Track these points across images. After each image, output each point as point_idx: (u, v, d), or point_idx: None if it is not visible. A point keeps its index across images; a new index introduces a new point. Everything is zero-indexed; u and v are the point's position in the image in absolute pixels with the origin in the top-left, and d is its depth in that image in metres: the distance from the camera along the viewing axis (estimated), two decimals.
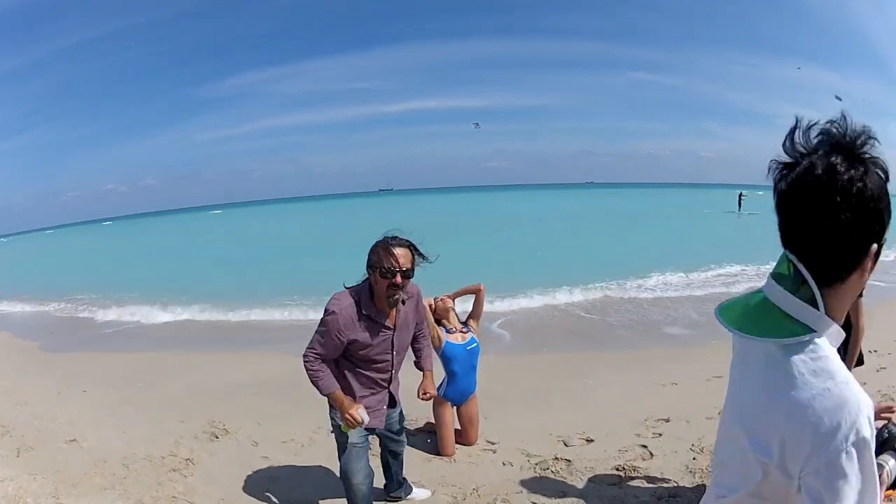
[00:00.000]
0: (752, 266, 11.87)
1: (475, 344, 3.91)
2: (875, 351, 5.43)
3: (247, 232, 33.61)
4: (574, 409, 4.74)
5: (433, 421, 4.04)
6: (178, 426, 4.57)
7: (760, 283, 1.02)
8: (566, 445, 4.04)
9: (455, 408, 3.98)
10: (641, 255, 13.91)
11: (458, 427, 4.05)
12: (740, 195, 29.71)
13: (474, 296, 4.03)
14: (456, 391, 3.90)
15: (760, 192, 29.87)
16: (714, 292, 9.76)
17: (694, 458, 3.86)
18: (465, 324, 3.99)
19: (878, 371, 5.10)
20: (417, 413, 4.53)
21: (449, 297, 3.96)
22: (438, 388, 3.71)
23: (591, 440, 4.09)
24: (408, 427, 4.35)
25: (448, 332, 3.85)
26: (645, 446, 3.99)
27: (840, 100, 28.81)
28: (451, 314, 3.92)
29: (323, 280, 12.05)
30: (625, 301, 9.51)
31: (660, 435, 4.16)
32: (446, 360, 3.83)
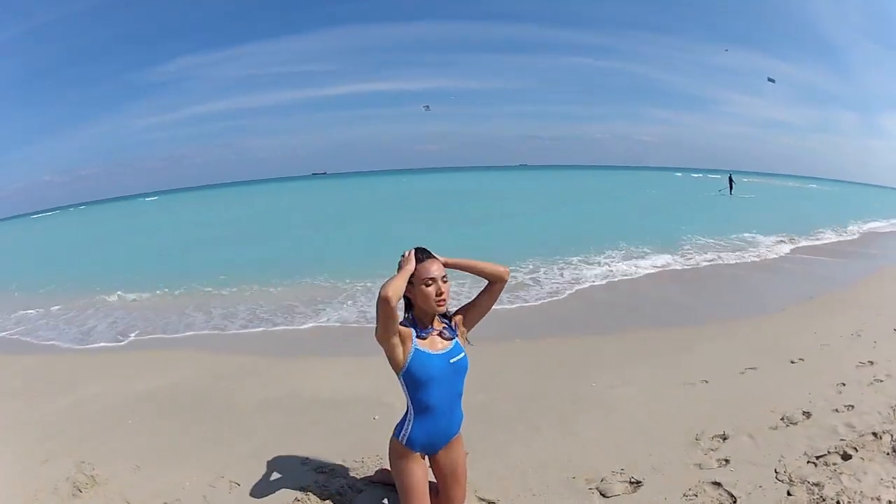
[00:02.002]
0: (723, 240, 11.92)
1: (462, 354, 2.17)
2: None
3: (170, 219, 30.19)
4: (593, 426, 3.33)
5: (389, 468, 2.39)
6: (39, 470, 3.26)
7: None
8: (605, 496, 2.60)
9: (427, 458, 2.30)
10: (620, 234, 12.89)
11: (434, 481, 2.45)
12: (730, 177, 29.64)
13: (488, 281, 2.23)
14: (430, 433, 2.16)
15: (746, 179, 31.03)
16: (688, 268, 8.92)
17: (789, 494, 2.60)
18: (448, 322, 2.22)
19: None
20: (366, 451, 3.09)
21: (443, 261, 2.13)
22: (399, 430, 2.14)
23: (639, 482, 2.69)
24: (353, 474, 2.81)
25: (419, 334, 2.11)
26: (718, 483, 2.66)
27: (773, 81, 30.31)
28: (431, 300, 2.11)
29: (230, 267, 9.29)
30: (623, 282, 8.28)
31: (726, 461, 2.87)
32: (415, 383, 2.09)
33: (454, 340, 2.15)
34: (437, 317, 2.17)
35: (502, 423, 3.43)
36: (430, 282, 2.02)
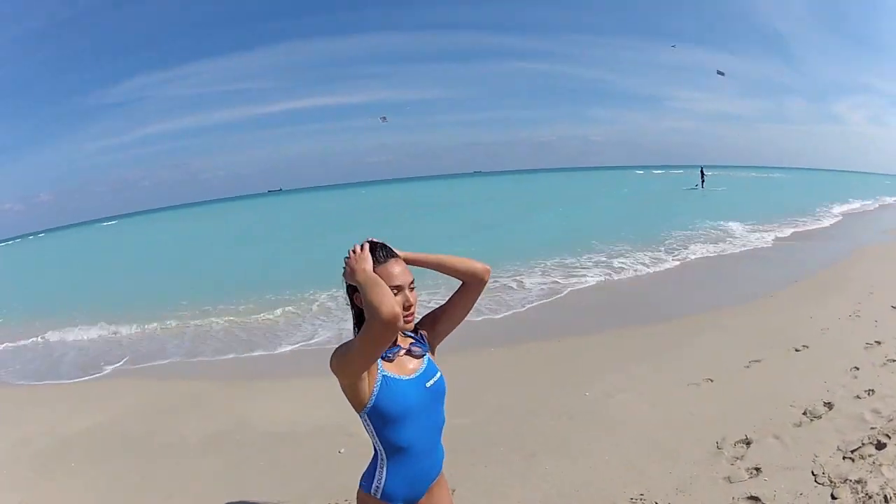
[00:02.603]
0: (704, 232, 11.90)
1: (438, 375, 1.60)
2: None
3: (124, 243, 29.01)
4: (596, 445, 2.87)
5: None
6: None
7: None
8: None
9: None
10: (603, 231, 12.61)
11: None
12: (702, 171, 29.92)
13: (462, 282, 1.68)
14: (409, 480, 1.57)
15: (710, 173, 31.43)
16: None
17: (834, 498, 2.25)
18: (417, 335, 1.64)
19: None
20: (331, 493, 2.64)
21: (404, 256, 1.59)
22: (369, 481, 1.54)
23: None
24: None
25: (384, 355, 1.50)
26: (755, 498, 2.25)
27: (723, 74, 31.19)
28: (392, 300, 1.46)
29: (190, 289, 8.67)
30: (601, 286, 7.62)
31: (757, 470, 2.46)
32: (385, 420, 1.50)
33: (426, 357, 1.57)
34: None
35: (489, 451, 2.92)
36: (394, 291, 1.46)
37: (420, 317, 1.65)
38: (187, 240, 24.57)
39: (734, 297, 6.24)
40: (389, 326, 1.25)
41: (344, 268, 1.44)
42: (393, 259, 1.48)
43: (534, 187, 43.06)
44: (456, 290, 1.64)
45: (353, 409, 1.45)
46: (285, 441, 3.35)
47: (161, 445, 3.50)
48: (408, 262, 1.54)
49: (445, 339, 1.65)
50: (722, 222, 12.89)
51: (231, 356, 5.58)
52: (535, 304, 6.56)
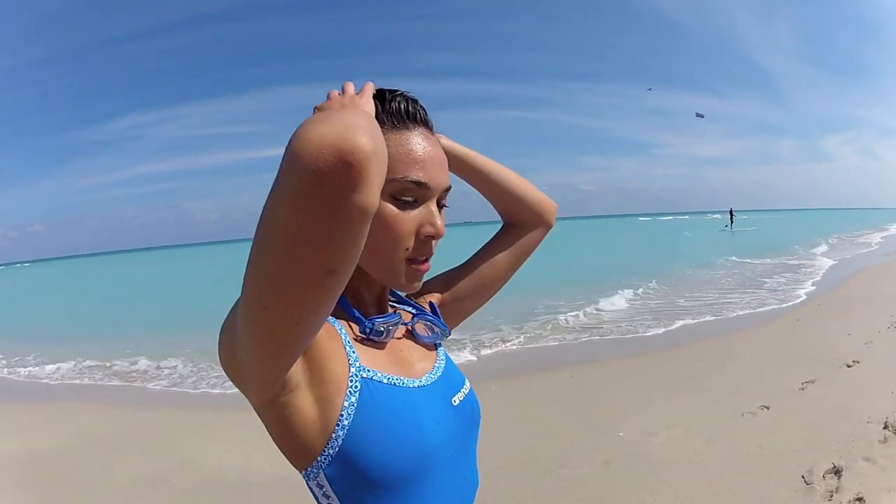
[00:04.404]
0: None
1: (467, 386, 0.69)
2: None
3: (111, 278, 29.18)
4: (647, 494, 2.39)
5: None
6: None
7: None
8: None
9: None
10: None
11: None
12: (731, 211, 29.96)
13: (507, 223, 0.82)
14: None
15: (745, 217, 31.45)
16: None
17: None
18: (416, 306, 0.74)
19: None
20: None
21: (443, 143, 0.69)
22: None
23: None
24: None
25: (368, 326, 0.61)
26: None
27: (702, 117, 32.70)
28: (401, 247, 0.61)
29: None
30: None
31: (860, 501, 2.02)
32: (372, 482, 0.55)
33: (442, 350, 0.73)
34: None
35: None
36: (410, 197, 0.60)
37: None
38: (174, 278, 24.52)
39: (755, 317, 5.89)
40: (333, 182, 0.39)
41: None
42: (422, 128, 0.62)
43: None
44: (495, 235, 0.83)
45: (292, 464, 0.58)
46: (234, 495, 2.72)
47: (83, 484, 2.95)
48: (446, 152, 0.68)
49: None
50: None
51: (201, 389, 4.95)
52: (534, 344, 5.68)
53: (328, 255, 0.41)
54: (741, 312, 6.36)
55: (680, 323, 6.00)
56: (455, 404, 0.65)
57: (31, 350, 7.26)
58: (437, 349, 0.71)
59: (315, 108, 0.55)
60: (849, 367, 3.63)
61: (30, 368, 6.41)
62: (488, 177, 0.77)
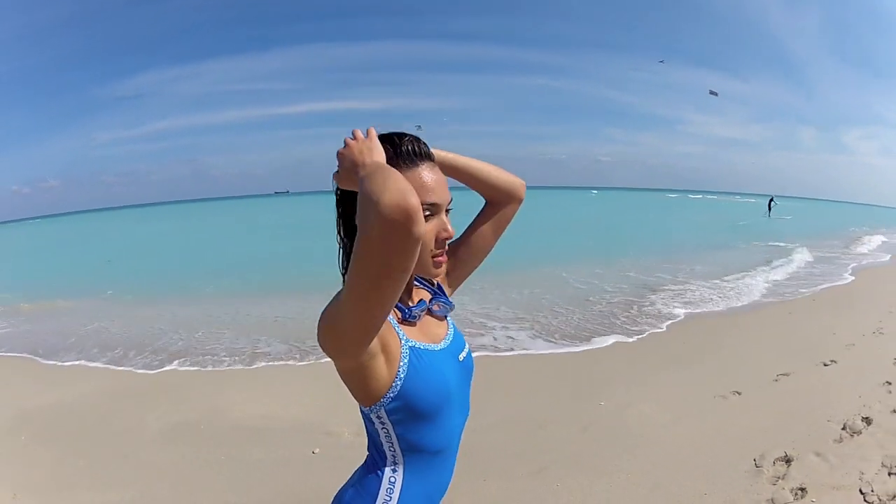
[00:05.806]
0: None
1: (466, 346, 1.08)
2: None
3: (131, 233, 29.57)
4: (617, 460, 2.62)
5: None
6: None
7: None
8: None
9: None
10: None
11: None
12: (771, 200, 30.20)
13: (488, 201, 1.14)
14: (430, 494, 1.01)
15: (777, 203, 31.00)
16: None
17: None
18: (430, 285, 1.08)
19: None
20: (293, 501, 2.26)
21: (437, 157, 0.98)
22: (367, 499, 0.93)
23: None
24: None
25: (406, 317, 0.94)
26: None
27: (716, 94, 32.00)
28: (428, 250, 0.92)
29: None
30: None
31: (802, 491, 2.25)
32: (415, 413, 0.91)
33: (449, 320, 1.08)
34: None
35: (493, 463, 2.65)
36: (426, 212, 0.89)
37: None
38: (194, 234, 24.83)
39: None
40: (401, 228, 0.65)
41: (338, 167, 0.85)
42: (427, 163, 0.90)
43: (565, 212, 34.89)
44: (480, 212, 1.13)
45: (358, 402, 0.90)
46: (254, 438, 3.08)
47: (117, 431, 3.27)
48: (438, 161, 0.98)
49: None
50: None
51: (232, 345, 5.25)
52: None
53: (403, 262, 0.68)
54: (744, 301, 6.54)
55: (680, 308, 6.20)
56: (461, 360, 1.00)
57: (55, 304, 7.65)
58: (446, 320, 1.05)
59: (338, 152, 0.83)
60: (825, 365, 3.82)
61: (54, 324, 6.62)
62: (469, 171, 1.06)
